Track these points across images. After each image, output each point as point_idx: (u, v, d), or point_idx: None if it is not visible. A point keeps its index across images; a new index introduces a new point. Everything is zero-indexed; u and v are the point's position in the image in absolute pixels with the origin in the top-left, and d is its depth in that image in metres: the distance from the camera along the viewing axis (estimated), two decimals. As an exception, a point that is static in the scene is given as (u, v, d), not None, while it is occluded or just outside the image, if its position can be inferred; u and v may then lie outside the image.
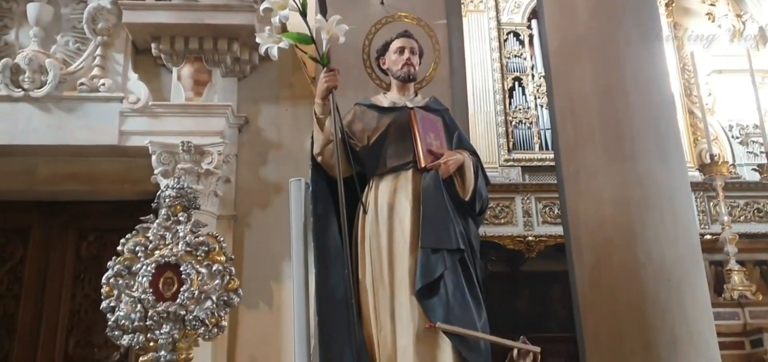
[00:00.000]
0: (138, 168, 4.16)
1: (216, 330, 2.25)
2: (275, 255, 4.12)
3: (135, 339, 2.21)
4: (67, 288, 4.31)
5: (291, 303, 4.07)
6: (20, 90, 4.13)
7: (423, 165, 2.99)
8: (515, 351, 2.86)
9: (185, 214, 2.36)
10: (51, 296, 4.29)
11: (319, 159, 3.10)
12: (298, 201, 4.21)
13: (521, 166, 7.69)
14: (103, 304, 2.23)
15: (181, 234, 2.32)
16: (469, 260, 2.99)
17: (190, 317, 2.22)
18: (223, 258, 2.34)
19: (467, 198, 3.00)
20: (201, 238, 2.34)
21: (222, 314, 2.26)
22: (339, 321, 2.93)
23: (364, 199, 3.08)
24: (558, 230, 6.53)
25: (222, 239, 2.40)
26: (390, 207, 3.01)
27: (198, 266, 2.29)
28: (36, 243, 4.39)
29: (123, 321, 2.20)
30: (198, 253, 2.32)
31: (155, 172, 4.04)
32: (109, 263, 2.28)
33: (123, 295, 2.23)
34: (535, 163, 7.74)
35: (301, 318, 3.95)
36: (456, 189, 3.00)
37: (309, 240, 4.11)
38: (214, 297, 2.26)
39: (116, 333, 2.20)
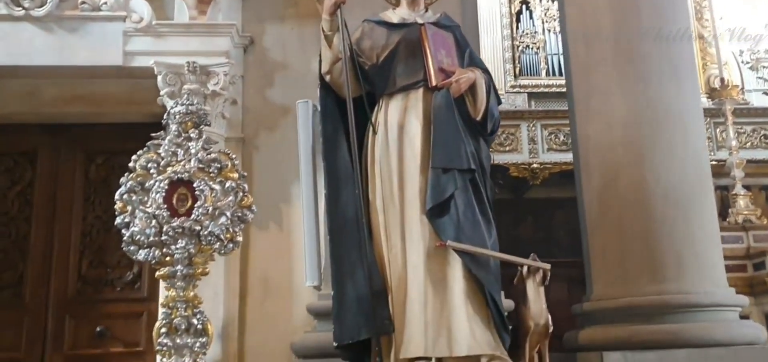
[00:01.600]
0: (143, 89, 4.11)
1: (231, 245, 2.27)
2: (284, 177, 4.13)
3: (151, 254, 2.22)
4: (77, 210, 4.35)
5: (301, 223, 4.11)
6: (21, 9, 4.04)
7: (434, 83, 2.92)
8: (525, 268, 2.89)
9: (196, 131, 2.34)
10: (62, 218, 4.33)
11: (327, 78, 3.04)
12: (306, 123, 4.17)
13: (527, 93, 7.60)
14: (118, 220, 2.24)
15: (192, 151, 2.31)
16: (480, 180, 2.97)
17: (205, 232, 2.23)
18: (235, 175, 2.33)
19: (479, 118, 2.96)
20: (213, 155, 2.33)
21: (236, 230, 2.27)
22: (350, 241, 2.94)
23: (373, 119, 3.03)
24: (563, 157, 6.52)
25: (234, 156, 2.38)
26: (400, 127, 2.97)
27: (211, 183, 2.28)
28: (44, 166, 4.39)
29: (138, 237, 2.21)
30: (210, 170, 2.31)
31: (161, 93, 4.00)
32: (121, 179, 2.28)
33: (137, 211, 2.23)
34: (541, 90, 7.65)
35: (311, 238, 3.99)
36: (467, 109, 2.96)
37: (318, 163, 4.11)
38: (228, 213, 2.27)
39: (132, 247, 2.22)
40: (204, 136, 2.35)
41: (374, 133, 3.03)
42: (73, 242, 4.29)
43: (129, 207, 2.24)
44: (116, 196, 2.26)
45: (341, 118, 3.04)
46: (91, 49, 4.06)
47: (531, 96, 7.61)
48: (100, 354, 4.16)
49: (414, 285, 2.82)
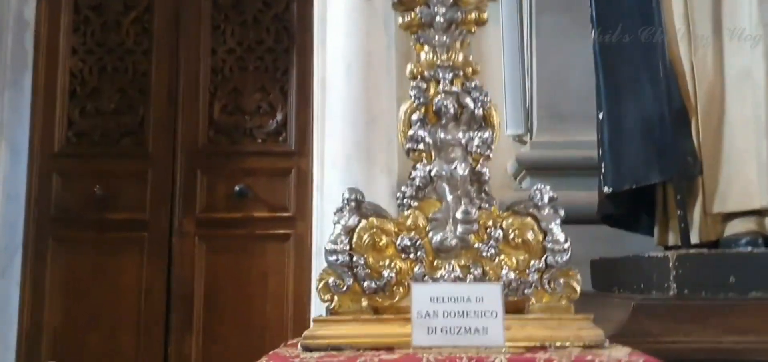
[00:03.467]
0: None
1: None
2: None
3: (388, -13, 1.28)
4: (205, 42, 3.49)
5: (499, 57, 3.12)
6: None
7: None
8: None
9: None
10: (187, 51, 3.49)
11: None
12: None
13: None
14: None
15: None
16: None
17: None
18: None
19: None
20: None
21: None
22: (630, 39, 2.01)
23: None
24: None
25: None
26: None
27: None
28: (163, -13, 3.54)
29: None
30: None
31: None
32: None
33: None
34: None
35: (513, 74, 3.07)
36: None
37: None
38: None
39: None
40: None
41: None
42: (201, 81, 3.43)
43: None
44: None
45: None
46: None
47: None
48: (241, 219, 3.36)
49: (739, 103, 1.87)
